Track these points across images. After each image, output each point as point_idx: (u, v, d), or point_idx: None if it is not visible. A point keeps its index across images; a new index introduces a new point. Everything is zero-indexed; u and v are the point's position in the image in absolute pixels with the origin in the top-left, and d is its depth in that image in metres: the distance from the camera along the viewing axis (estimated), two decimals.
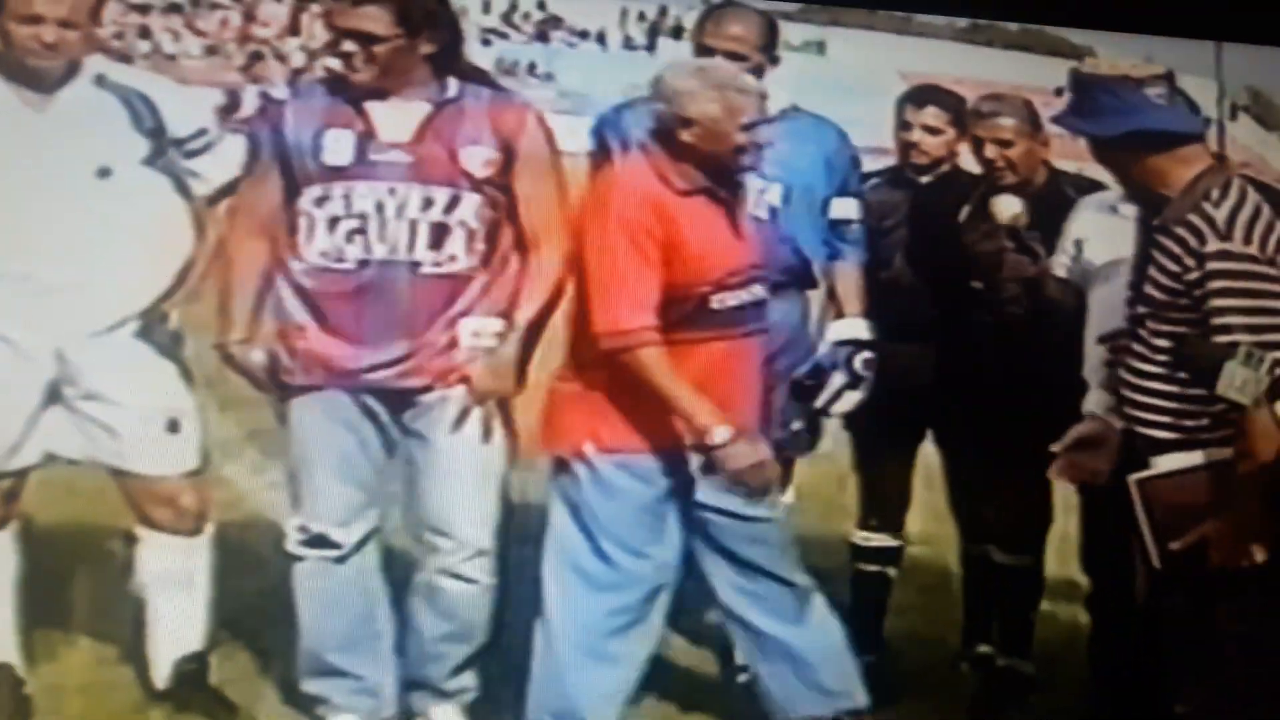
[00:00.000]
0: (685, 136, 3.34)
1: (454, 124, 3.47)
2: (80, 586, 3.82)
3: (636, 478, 3.38)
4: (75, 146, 3.48)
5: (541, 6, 9.83)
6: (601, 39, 7.30)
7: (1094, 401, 3.49)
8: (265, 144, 3.49)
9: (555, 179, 3.53)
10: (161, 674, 3.61)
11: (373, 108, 3.45)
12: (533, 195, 3.49)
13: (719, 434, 3.28)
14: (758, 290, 3.44)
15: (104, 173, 3.50)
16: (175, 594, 3.59)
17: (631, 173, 3.42)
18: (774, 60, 3.72)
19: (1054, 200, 3.84)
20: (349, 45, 3.40)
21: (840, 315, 3.80)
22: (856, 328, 3.77)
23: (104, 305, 3.50)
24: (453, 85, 3.50)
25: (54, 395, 3.50)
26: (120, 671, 3.70)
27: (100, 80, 3.54)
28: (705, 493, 3.40)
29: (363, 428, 3.50)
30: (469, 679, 3.60)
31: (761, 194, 3.65)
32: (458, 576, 3.53)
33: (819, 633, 3.52)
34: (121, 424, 3.52)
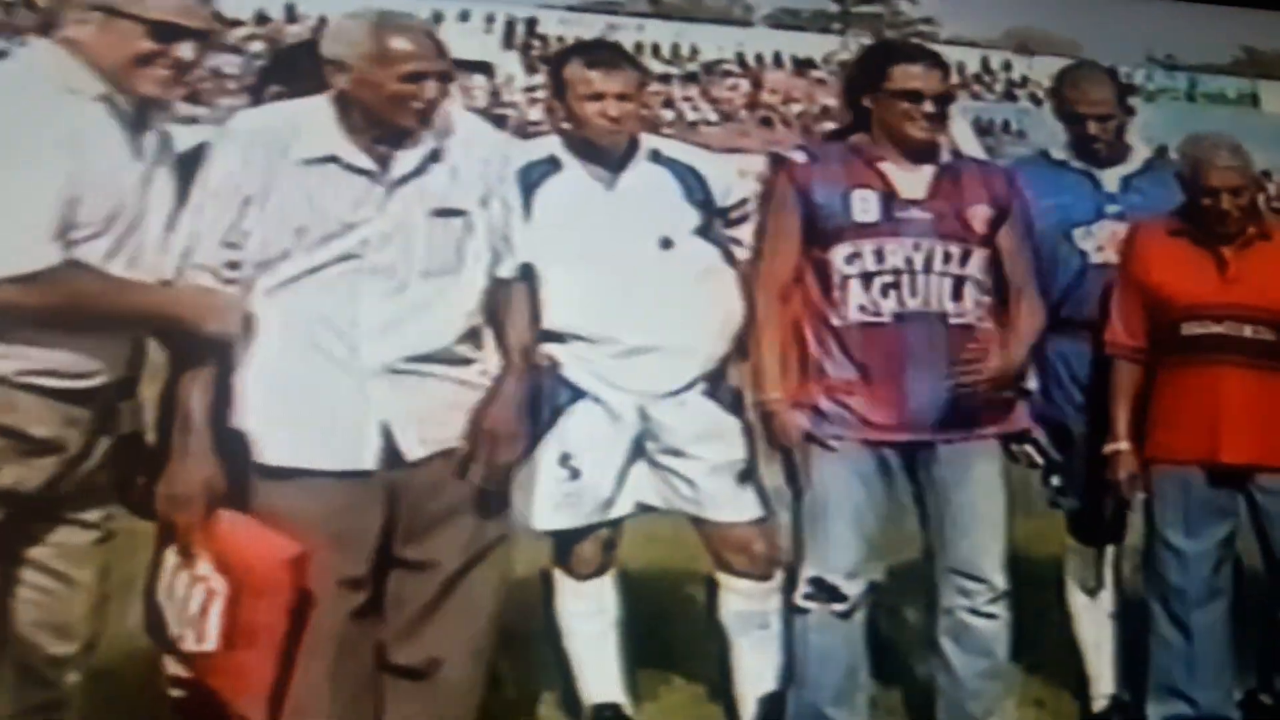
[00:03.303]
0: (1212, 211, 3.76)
1: (956, 184, 3.65)
2: (671, 628, 4.06)
3: None
4: (640, 219, 3.68)
5: (1007, 68, 9.93)
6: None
7: None
8: (789, 205, 3.65)
9: (1029, 237, 3.77)
10: (747, 713, 3.76)
11: (885, 168, 3.62)
12: (1015, 250, 3.70)
13: (1116, 445, 3.81)
14: (1231, 325, 3.71)
15: (666, 244, 3.70)
16: (754, 635, 3.73)
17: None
18: (1130, 112, 4.07)
19: None
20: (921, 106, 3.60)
21: None
22: None
23: (676, 366, 3.69)
24: (945, 151, 3.68)
25: (639, 450, 3.71)
26: (711, 710, 3.89)
27: (655, 156, 3.74)
28: None
29: (875, 481, 3.62)
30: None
31: None
32: (987, 615, 3.64)
33: None
34: (698, 475, 3.70)
